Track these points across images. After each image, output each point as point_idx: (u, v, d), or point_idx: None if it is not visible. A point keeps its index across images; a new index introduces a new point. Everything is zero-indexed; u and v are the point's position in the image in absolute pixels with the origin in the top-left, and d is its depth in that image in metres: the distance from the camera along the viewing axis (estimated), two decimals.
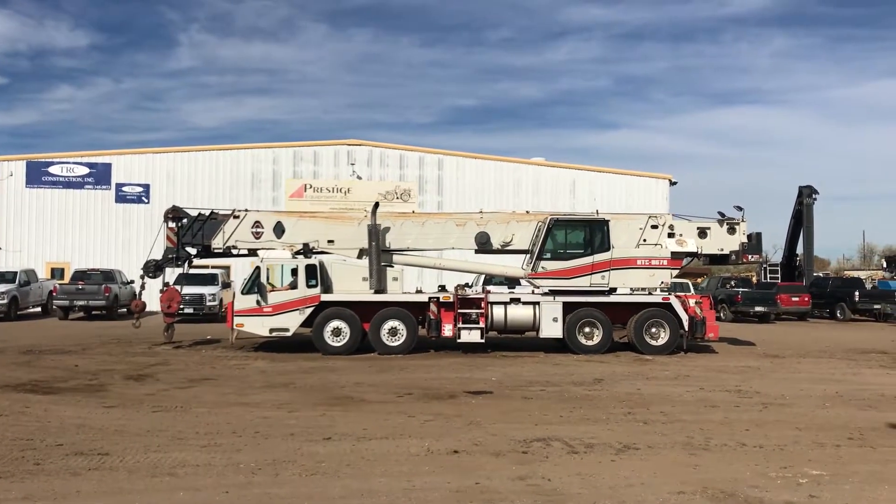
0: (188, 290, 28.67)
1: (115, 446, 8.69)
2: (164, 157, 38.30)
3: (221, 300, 29.27)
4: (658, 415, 10.94)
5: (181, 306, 21.73)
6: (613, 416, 10.81)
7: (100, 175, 37.78)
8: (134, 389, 13.02)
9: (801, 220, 37.78)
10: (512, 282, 24.91)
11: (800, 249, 38.46)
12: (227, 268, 34.39)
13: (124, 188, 37.92)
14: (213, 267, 33.25)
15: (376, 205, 20.19)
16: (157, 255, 20.56)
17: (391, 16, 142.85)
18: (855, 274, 49.14)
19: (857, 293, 35.19)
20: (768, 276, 38.74)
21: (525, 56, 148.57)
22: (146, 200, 37.76)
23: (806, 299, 33.66)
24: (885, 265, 50.04)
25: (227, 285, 30.69)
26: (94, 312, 30.00)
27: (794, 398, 12.54)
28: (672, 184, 39.92)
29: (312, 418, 10.48)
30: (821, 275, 42.03)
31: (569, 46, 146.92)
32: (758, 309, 31.68)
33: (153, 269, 20.47)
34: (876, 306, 34.12)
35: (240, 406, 11.43)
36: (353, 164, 38.55)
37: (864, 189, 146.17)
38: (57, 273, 35.85)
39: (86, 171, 37.84)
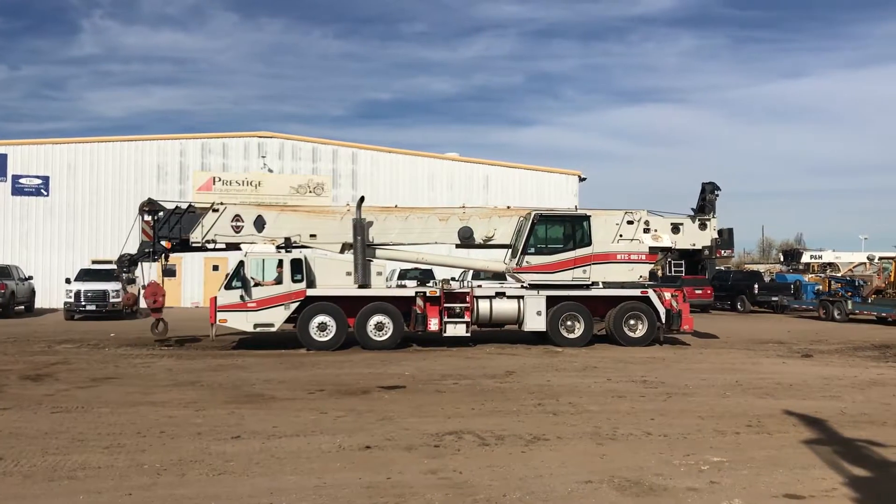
0: (89, 286, 27.72)
1: (9, 450, 8.29)
2: (65, 148, 36.82)
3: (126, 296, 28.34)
4: (567, 406, 11.16)
5: (134, 303, 20.67)
6: (524, 408, 10.96)
7: None
8: (31, 390, 12.46)
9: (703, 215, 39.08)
10: (497, 276, 25.28)
11: None
12: None
13: (21, 180, 36.27)
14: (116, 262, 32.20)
15: (361, 199, 20.05)
16: (132, 248, 20.06)
17: (304, 6, 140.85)
18: (754, 267, 51.25)
19: (756, 286, 36.78)
20: (673, 269, 39.99)
21: (439, 51, 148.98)
22: (45, 193, 36.24)
23: (708, 292, 34.92)
24: (782, 259, 52.35)
25: (131, 281, 29.69)
26: None
27: (697, 388, 12.99)
28: (581, 180, 40.79)
29: (220, 417, 10.26)
30: (722, 268, 43.64)
31: (483, 42, 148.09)
32: None
33: (127, 263, 19.89)
34: (774, 298, 35.75)
35: (145, 405, 11.09)
36: (263, 157, 37.89)
37: (763, 186, 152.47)
38: None
39: None
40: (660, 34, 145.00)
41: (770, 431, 9.53)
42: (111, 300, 27.64)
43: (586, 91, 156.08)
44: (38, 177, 36.31)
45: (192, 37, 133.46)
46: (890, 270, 33.96)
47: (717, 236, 20.71)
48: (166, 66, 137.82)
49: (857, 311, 29.87)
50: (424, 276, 27.54)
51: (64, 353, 17.59)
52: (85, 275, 28.96)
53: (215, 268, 35.77)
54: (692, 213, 20.84)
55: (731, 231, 21.21)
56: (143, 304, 32.04)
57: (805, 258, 46.45)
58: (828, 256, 56.07)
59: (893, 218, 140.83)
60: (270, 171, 37.85)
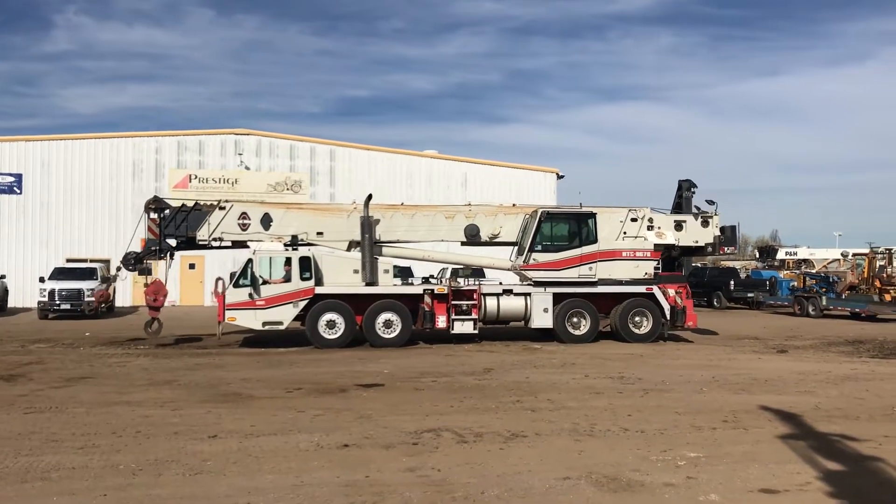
0: (63, 284, 27.40)
1: None
2: (38, 146, 36.30)
3: (101, 295, 28.03)
4: (545, 402, 11.18)
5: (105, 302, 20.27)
6: (502, 405, 10.98)
7: None
8: (4, 390, 12.29)
9: (680, 213, 39.37)
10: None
11: None
12: (106, 261, 32.98)
13: None
14: (91, 261, 31.89)
15: (369, 197, 19.98)
16: (137, 247, 19.86)
17: (280, 3, 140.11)
18: (730, 264, 51.63)
19: (732, 282, 37.11)
20: None
21: (418, 48, 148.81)
22: (18, 191, 35.73)
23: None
24: (757, 255, 52.84)
25: (106, 280, 29.41)
26: None
27: (674, 384, 13.07)
28: (559, 177, 40.88)
29: (197, 416, 10.18)
30: (698, 265, 43.98)
31: (461, 40, 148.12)
32: None
33: (133, 261, 19.59)
34: (749, 295, 36.07)
35: (120, 405, 10.98)
36: (240, 155, 37.60)
37: (738, 183, 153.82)
38: None
39: None
40: (638, 32, 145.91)
41: (746, 427, 9.61)
42: (86, 299, 27.30)
43: (565, 89, 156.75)
44: (10, 174, 35.79)
45: (167, 33, 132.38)
46: (863, 266, 34.37)
47: (719, 233, 20.87)
48: (141, 63, 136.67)
49: (831, 307, 30.21)
50: (402, 274, 27.52)
51: (38, 353, 17.38)
52: (59, 273, 28.60)
53: (191, 266, 35.49)
54: (695, 211, 20.94)
55: (734, 228, 21.38)
56: (119, 302, 31.88)
57: (780, 255, 46.94)
58: (803, 253, 56.69)
59: (867, 215, 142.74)
60: (247, 168, 37.57)
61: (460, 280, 21.63)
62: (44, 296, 27.39)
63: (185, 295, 35.47)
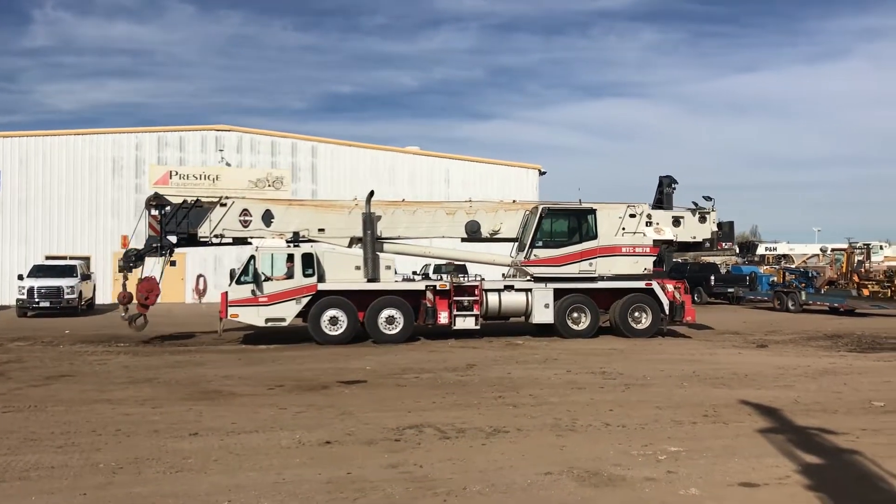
0: (42, 282, 27.16)
1: None
2: (17, 142, 35.91)
3: (81, 293, 27.80)
4: (527, 398, 11.22)
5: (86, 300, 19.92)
6: (485, 401, 11.00)
7: None
8: None
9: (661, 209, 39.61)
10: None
11: None
12: (87, 258, 32.76)
13: None
14: (70, 258, 31.62)
15: (371, 193, 19.97)
16: (138, 244, 19.65)
17: None
18: (710, 259, 51.99)
19: (712, 278, 37.34)
20: None
21: (401, 44, 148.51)
22: None
23: None
24: (737, 251, 53.23)
25: (86, 277, 29.16)
26: None
27: (655, 378, 13.14)
28: (541, 174, 40.97)
29: (178, 414, 10.12)
30: (679, 260, 44.22)
31: (444, 35, 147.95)
32: None
33: (133, 258, 19.40)
34: (730, 290, 36.32)
35: (100, 403, 10.91)
36: (221, 151, 37.37)
37: (719, 179, 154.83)
38: None
39: None
40: (621, 28, 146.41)
41: (726, 421, 9.69)
42: (66, 297, 27.05)
43: (548, 85, 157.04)
44: None
45: (147, 28, 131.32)
46: (842, 262, 34.68)
47: (717, 229, 21.01)
48: (121, 59, 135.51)
49: (810, 302, 30.46)
50: (457, 270, 27.83)
51: (17, 351, 17.21)
52: (38, 271, 28.33)
53: (173, 263, 35.18)
54: (693, 207, 21.07)
55: (731, 224, 21.56)
56: (99, 300, 31.60)
57: (760, 250, 47.29)
58: (782, 248, 57.21)
59: (846, 210, 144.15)
60: (228, 164, 37.36)
61: (443, 276, 21.67)
62: (23, 293, 27.12)
63: (166, 292, 35.15)
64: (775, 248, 56.51)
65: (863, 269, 33.91)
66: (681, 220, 20.86)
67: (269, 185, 37.17)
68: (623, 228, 20.17)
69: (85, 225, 35.41)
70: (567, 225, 20.28)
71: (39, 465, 7.54)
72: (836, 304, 29.50)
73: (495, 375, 13.47)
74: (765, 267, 43.91)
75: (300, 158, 38.43)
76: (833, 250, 41.76)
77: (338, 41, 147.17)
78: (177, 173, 36.79)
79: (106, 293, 33.36)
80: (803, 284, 31.90)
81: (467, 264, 26.30)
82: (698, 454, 7.98)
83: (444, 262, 27.18)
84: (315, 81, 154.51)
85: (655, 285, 19.95)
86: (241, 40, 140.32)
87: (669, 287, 20.19)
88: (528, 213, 20.47)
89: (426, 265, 28.56)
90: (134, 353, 16.84)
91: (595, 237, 19.81)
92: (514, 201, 21.68)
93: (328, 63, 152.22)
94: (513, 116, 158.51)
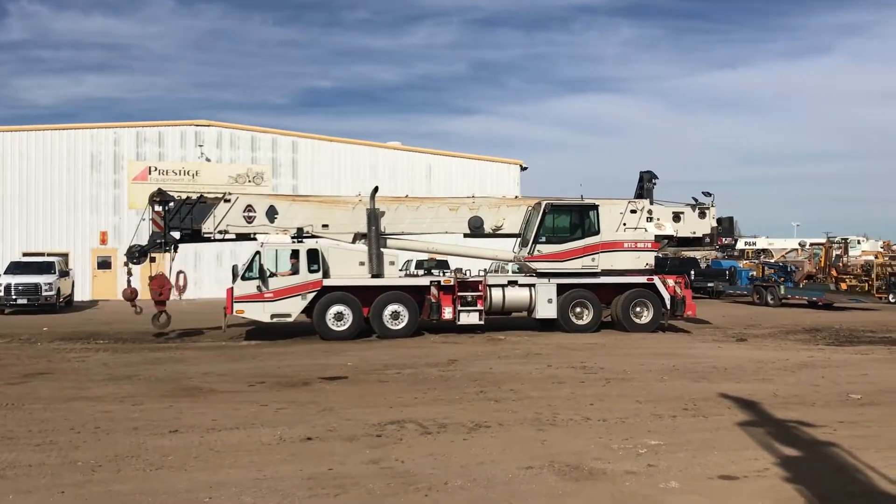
0: (20, 279, 26.88)
1: None
2: None
3: (59, 289, 27.53)
4: (509, 392, 11.24)
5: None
6: (466, 396, 11.01)
7: None
8: None
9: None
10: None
11: None
12: (65, 255, 32.46)
13: None
14: (48, 254, 31.31)
15: (375, 189, 20.00)
16: (141, 240, 19.62)
17: None
18: (690, 254, 52.32)
19: (692, 272, 37.55)
20: None
21: (382, 39, 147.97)
22: None
23: None
24: (717, 245, 53.55)
25: (64, 274, 28.88)
26: None
27: (635, 372, 13.21)
28: (523, 169, 41.05)
29: (158, 411, 10.05)
30: (659, 255, 44.44)
31: (426, 30, 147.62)
32: None
33: (137, 254, 19.38)
34: (710, 284, 36.59)
35: (79, 401, 10.81)
36: (201, 146, 37.10)
37: (699, 174, 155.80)
38: None
39: None
40: (601, 23, 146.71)
41: (706, 414, 9.76)
42: (44, 293, 26.77)
43: (529, 80, 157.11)
44: None
45: (125, 22, 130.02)
46: (820, 256, 35.02)
47: (716, 224, 21.16)
48: (99, 53, 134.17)
49: (789, 296, 30.75)
50: (439, 266, 27.89)
51: None
52: (15, 268, 28.02)
53: (152, 259, 34.94)
54: (693, 202, 21.20)
55: (731, 219, 21.74)
56: (78, 296, 31.32)
57: (740, 245, 47.53)
58: (761, 243, 57.61)
59: (825, 205, 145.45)
60: (208, 160, 37.11)
61: (431, 271, 21.77)
62: None
63: (144, 289, 34.94)
64: (754, 243, 56.88)
65: (841, 264, 34.30)
66: (681, 215, 21.02)
67: (250, 181, 36.99)
68: (624, 224, 20.25)
69: (63, 221, 35.05)
70: (569, 220, 20.45)
71: (17, 464, 7.46)
72: (814, 298, 29.79)
73: (477, 370, 13.49)
74: (744, 261, 44.21)
75: (281, 154, 38.24)
76: (811, 245, 42.14)
77: (318, 36, 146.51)
78: (156, 169, 36.50)
79: (85, 290, 33.11)
80: (782, 279, 32.19)
81: (448, 259, 26.34)
82: (678, 447, 8.03)
83: (426, 258, 27.19)
84: (295, 76, 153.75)
85: (657, 280, 20.12)
86: (221, 34, 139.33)
87: (670, 282, 20.38)
88: (530, 208, 20.59)
89: (407, 261, 28.52)
90: (113, 351, 16.71)
91: (597, 233, 19.96)
92: (516, 197, 21.78)
93: (309, 58, 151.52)
94: (494, 111, 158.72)
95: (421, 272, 25.93)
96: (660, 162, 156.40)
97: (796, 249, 47.36)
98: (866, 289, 32.17)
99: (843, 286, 32.13)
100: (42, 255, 31.48)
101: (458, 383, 12.15)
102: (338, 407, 10.23)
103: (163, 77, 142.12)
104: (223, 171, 36.80)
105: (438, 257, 26.59)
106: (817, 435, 8.60)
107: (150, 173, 36.30)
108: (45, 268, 27.93)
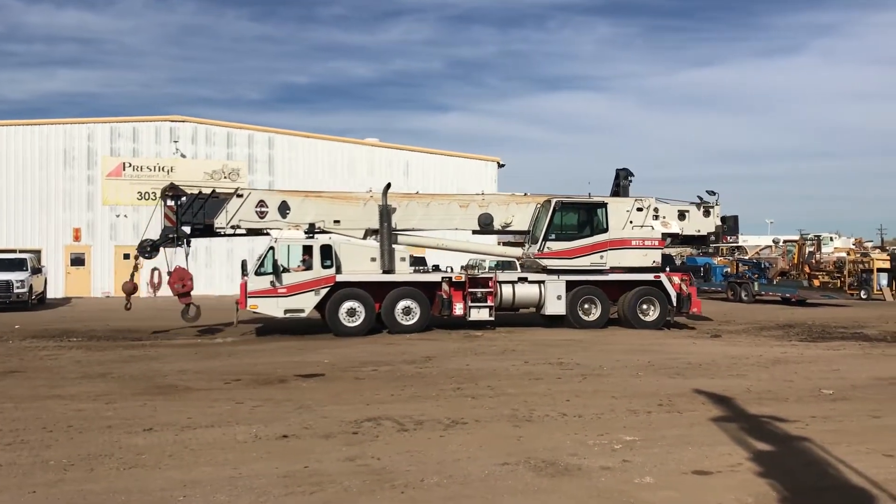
0: None
1: None
2: None
3: (31, 287, 27.18)
4: (485, 389, 11.26)
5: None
6: (443, 393, 11.02)
7: None
8: None
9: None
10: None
11: None
12: (37, 252, 32.06)
13: None
14: (20, 251, 30.91)
15: (388, 186, 20.10)
16: (153, 234, 19.49)
17: None
18: (666, 251, 52.78)
19: (667, 269, 37.80)
20: None
21: (358, 35, 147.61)
22: None
23: None
24: (722, 243, 54.02)
25: (37, 271, 28.52)
26: None
27: (611, 369, 13.29)
28: (500, 166, 41.10)
29: (132, 409, 9.96)
30: None
31: (402, 27, 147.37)
32: None
33: (149, 249, 19.27)
34: None
35: (51, 399, 10.68)
36: (176, 142, 36.81)
37: (674, 172, 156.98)
38: None
39: None
40: (576, 21, 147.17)
41: (680, 410, 9.83)
42: (15, 291, 26.42)
43: (505, 78, 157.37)
44: None
45: (99, 16, 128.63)
46: (793, 253, 35.39)
47: (721, 223, 21.38)
48: (72, 47, 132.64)
49: (763, 293, 31.08)
50: (416, 263, 27.83)
51: None
52: None
53: (125, 256, 34.65)
54: (698, 201, 21.38)
55: (735, 218, 21.95)
56: (51, 293, 30.95)
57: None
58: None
59: (798, 202, 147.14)
60: (183, 156, 36.82)
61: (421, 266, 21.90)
62: None
63: (119, 284, 34.56)
64: (730, 240, 57.35)
65: (813, 261, 34.68)
66: (686, 213, 21.26)
67: (225, 177, 36.72)
68: (631, 222, 20.41)
69: (35, 217, 34.63)
70: (578, 218, 20.65)
71: None
72: (787, 295, 30.14)
73: (454, 367, 13.50)
74: (719, 258, 44.57)
75: (257, 150, 38.03)
76: (785, 242, 42.57)
77: (295, 31, 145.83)
78: (130, 165, 36.18)
79: (58, 287, 32.72)
80: (756, 275, 32.54)
81: (426, 256, 26.34)
82: (653, 443, 8.09)
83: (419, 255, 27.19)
84: (271, 72, 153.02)
85: (664, 278, 20.32)
86: (195, 30, 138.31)
87: (676, 279, 20.58)
88: (539, 206, 20.75)
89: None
90: (87, 348, 16.53)
91: (606, 230, 20.14)
92: (525, 194, 21.83)
93: (285, 53, 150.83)
94: (471, 108, 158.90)
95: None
96: (636, 159, 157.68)
97: (770, 246, 47.86)
98: (839, 285, 32.61)
99: (816, 283, 32.53)
100: (14, 251, 31.05)
101: (434, 380, 12.15)
102: (314, 404, 10.19)
103: (138, 72, 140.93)
104: (198, 167, 36.53)
105: (427, 253, 26.59)
106: (790, 430, 8.70)
107: (124, 169, 35.98)
108: (17, 265, 27.56)
